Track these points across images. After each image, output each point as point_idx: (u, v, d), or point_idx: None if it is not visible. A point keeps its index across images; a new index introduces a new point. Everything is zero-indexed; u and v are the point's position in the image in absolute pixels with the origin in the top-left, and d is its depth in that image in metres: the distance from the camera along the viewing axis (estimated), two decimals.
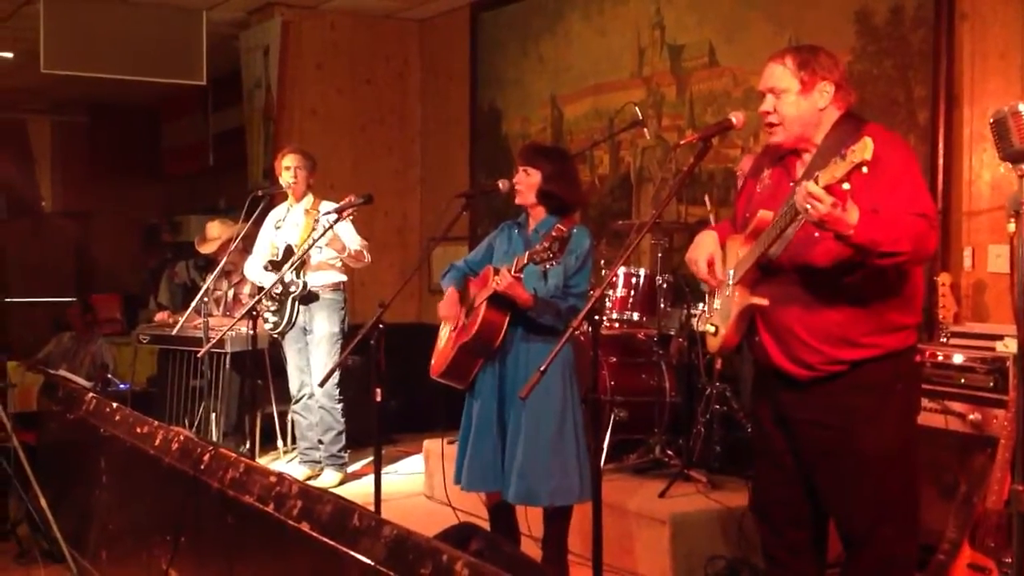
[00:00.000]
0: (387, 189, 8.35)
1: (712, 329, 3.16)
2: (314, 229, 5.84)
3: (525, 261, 3.77)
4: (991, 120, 2.63)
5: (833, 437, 3.02)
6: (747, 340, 3.14)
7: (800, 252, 2.96)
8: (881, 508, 3.03)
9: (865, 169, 2.60)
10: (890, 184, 2.87)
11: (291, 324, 6.02)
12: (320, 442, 6.23)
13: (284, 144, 8.24)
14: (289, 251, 5.95)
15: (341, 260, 6.00)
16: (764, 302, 2.99)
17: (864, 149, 2.57)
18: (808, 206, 2.70)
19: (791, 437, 3.14)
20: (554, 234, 3.74)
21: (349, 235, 5.96)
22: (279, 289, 5.92)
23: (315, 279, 6.01)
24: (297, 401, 6.23)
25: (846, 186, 2.65)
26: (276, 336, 6.14)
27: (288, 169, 6.08)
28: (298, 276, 5.94)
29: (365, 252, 6.02)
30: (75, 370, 7.15)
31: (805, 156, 3.08)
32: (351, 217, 5.51)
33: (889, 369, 3.00)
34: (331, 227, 5.34)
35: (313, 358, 6.06)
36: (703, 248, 3.20)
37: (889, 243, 2.77)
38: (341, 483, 6.08)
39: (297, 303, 6.00)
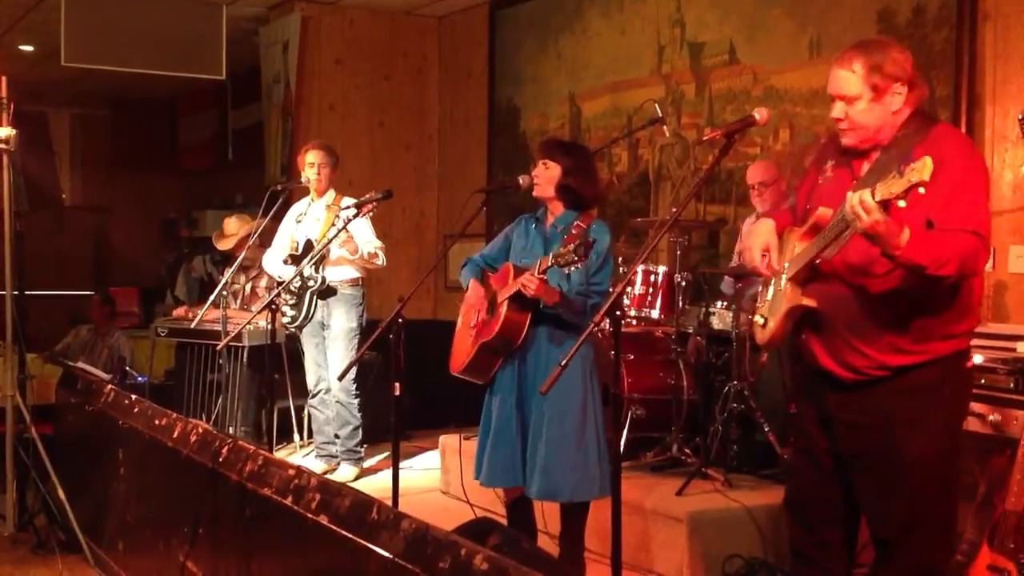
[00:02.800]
0: (405, 185, 8.36)
1: (761, 321, 3.11)
2: (334, 225, 5.84)
3: (549, 263, 3.76)
4: (1020, 117, 2.62)
5: (876, 439, 2.99)
6: (793, 339, 3.10)
7: (853, 256, 2.90)
8: (917, 513, 2.99)
9: (922, 190, 2.52)
10: (949, 193, 2.79)
11: (308, 318, 6.03)
12: (337, 436, 6.23)
13: (302, 139, 8.27)
14: (309, 246, 5.96)
15: (360, 261, 6.00)
16: (813, 304, 2.95)
17: (923, 169, 2.50)
18: (856, 217, 2.64)
19: (833, 437, 3.10)
20: (574, 231, 3.74)
21: (366, 235, 5.97)
22: (298, 283, 5.94)
23: (334, 274, 6.02)
24: (314, 396, 6.24)
25: (902, 203, 2.58)
26: (293, 330, 6.15)
27: (312, 165, 6.09)
28: (317, 271, 5.95)
29: (381, 254, 6.02)
30: (93, 363, 7.18)
31: (872, 155, 3.00)
32: (370, 215, 5.51)
33: (937, 374, 2.94)
34: (345, 225, 5.33)
35: (330, 353, 6.07)
36: (759, 237, 3.14)
37: (934, 267, 2.72)
38: (357, 478, 6.08)
39: (315, 298, 6.01)
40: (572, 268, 3.70)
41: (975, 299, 3.02)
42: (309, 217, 6.13)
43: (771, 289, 3.13)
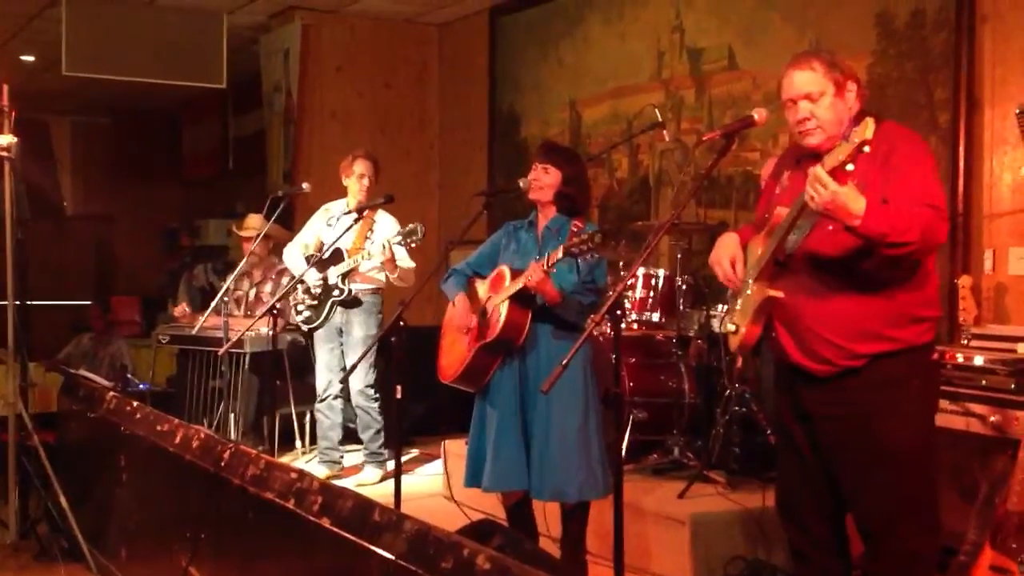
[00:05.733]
0: (406, 192, 8.32)
1: (733, 328, 3.17)
2: (367, 238, 5.91)
3: (560, 255, 3.76)
4: (1017, 111, 2.65)
5: (852, 431, 3.05)
6: (765, 336, 3.15)
7: (814, 245, 2.99)
8: (900, 504, 3.04)
9: (867, 148, 2.66)
10: (901, 175, 2.90)
11: (324, 322, 6.09)
12: (340, 442, 6.30)
13: (304, 148, 8.31)
14: (339, 254, 5.98)
15: (391, 280, 6.03)
16: (780, 294, 3.02)
17: (866, 128, 2.65)
18: (813, 193, 2.75)
19: (812, 433, 3.15)
20: (574, 229, 3.77)
21: (403, 259, 6.01)
22: (319, 288, 6.02)
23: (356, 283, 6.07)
24: (322, 400, 6.27)
25: (850, 167, 2.70)
26: (306, 330, 6.18)
27: (361, 177, 6.14)
28: (344, 282, 5.99)
29: (412, 275, 6.07)
30: (94, 371, 7.16)
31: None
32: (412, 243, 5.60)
33: (905, 364, 3.02)
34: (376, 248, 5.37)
35: (348, 359, 6.09)
36: (725, 249, 3.23)
37: (897, 233, 2.80)
38: (382, 480, 6.13)
39: (336, 307, 6.05)
40: (589, 257, 3.72)
41: (934, 283, 3.10)
42: (340, 224, 6.14)
43: (739, 298, 3.19)
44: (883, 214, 2.80)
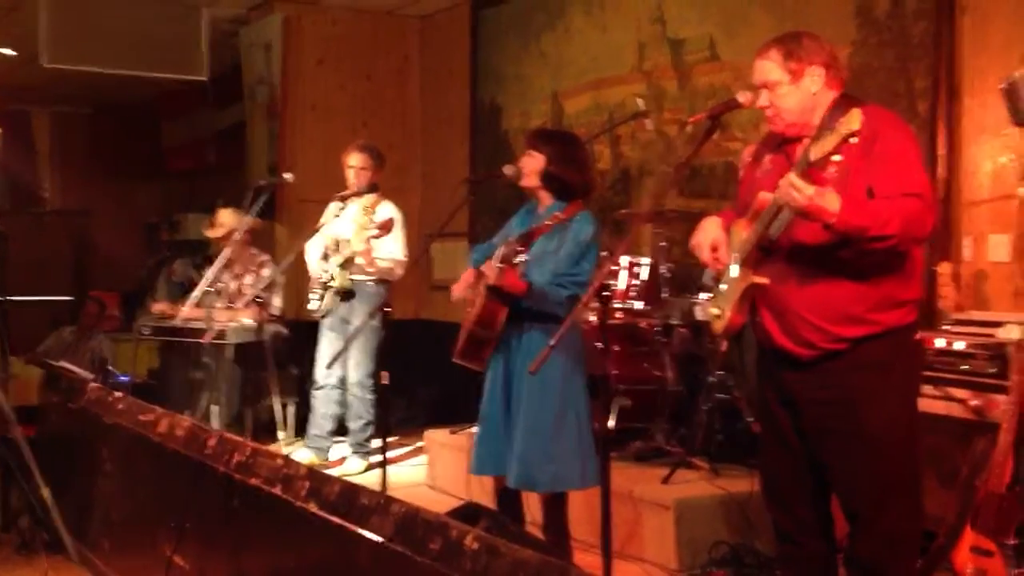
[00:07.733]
0: (387, 185, 8.26)
1: (716, 312, 3.20)
2: (366, 228, 5.91)
3: (501, 254, 3.86)
4: (1002, 87, 2.68)
5: (837, 415, 3.07)
6: (749, 321, 3.17)
7: (797, 232, 3.01)
8: (886, 486, 3.06)
9: (855, 139, 2.70)
10: (885, 162, 2.92)
11: (329, 311, 6.14)
12: (331, 433, 6.35)
13: (288, 141, 8.28)
14: (340, 245, 6.04)
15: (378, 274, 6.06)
16: (765, 281, 3.05)
17: (853, 119, 2.67)
18: (788, 199, 2.80)
19: (796, 416, 3.17)
20: (548, 221, 3.89)
21: (390, 247, 6.04)
22: (324, 278, 6.08)
23: (359, 272, 6.10)
24: (320, 388, 6.31)
25: (837, 157, 2.74)
26: (317, 318, 6.24)
27: (351, 168, 6.16)
28: (340, 273, 6.03)
29: (398, 269, 6.08)
30: (75, 364, 7.12)
31: (805, 141, 3.11)
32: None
33: (889, 346, 3.04)
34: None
35: (350, 350, 6.11)
36: (707, 233, 3.26)
37: (877, 227, 2.83)
38: (366, 470, 6.15)
39: (337, 297, 6.08)
40: (516, 260, 3.81)
41: (918, 267, 3.13)
42: (345, 216, 6.13)
43: (723, 282, 3.22)
44: (861, 209, 2.83)
